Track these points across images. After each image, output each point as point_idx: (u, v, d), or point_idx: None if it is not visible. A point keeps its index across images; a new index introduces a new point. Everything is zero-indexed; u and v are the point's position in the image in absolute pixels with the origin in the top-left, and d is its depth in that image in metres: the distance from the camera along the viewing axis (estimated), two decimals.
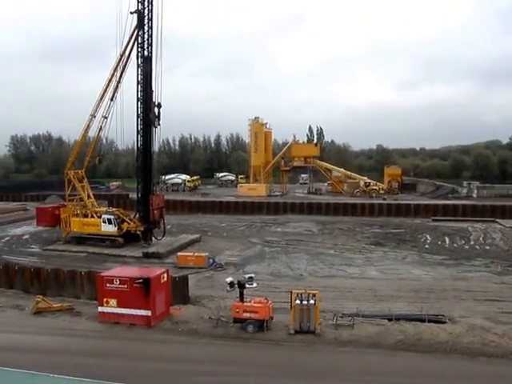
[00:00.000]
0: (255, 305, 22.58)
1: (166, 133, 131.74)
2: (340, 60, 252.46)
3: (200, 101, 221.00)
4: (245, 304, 22.73)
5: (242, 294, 23.15)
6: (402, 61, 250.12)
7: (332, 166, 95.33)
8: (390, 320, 23.09)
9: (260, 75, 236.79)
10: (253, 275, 24.56)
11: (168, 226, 46.34)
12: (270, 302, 23.15)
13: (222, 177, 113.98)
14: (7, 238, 49.07)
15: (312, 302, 21.98)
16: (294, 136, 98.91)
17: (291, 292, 22.79)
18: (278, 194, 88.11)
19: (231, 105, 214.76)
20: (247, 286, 23.34)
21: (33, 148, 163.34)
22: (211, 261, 36.30)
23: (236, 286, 23.35)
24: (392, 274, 34.37)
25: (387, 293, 29.20)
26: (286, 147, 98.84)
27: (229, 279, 24.01)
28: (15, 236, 50.43)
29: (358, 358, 19.82)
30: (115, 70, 42.08)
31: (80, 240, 44.21)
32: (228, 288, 23.73)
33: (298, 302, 22.03)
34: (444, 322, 23.12)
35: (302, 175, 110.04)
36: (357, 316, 23.23)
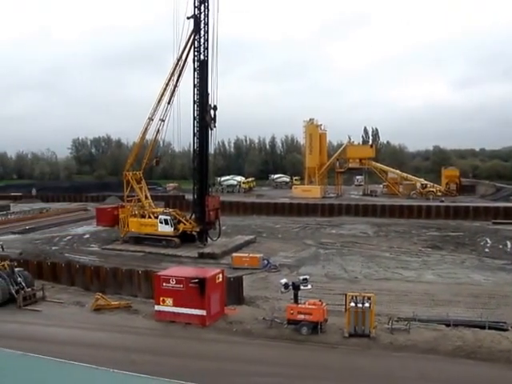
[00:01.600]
0: (309, 307, 22.44)
1: (222, 135, 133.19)
2: (395, 60, 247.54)
3: (255, 103, 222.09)
4: (299, 306, 22.65)
5: (296, 296, 23.10)
6: (459, 59, 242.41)
7: (387, 168, 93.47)
8: (447, 325, 22.39)
9: (315, 77, 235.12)
10: (307, 277, 24.47)
11: (223, 227, 46.80)
12: (324, 304, 22.96)
13: (276, 178, 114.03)
14: (69, 237, 51.03)
15: (367, 305, 21.65)
16: (349, 137, 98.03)
17: (346, 294, 22.51)
18: (332, 195, 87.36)
19: (286, 107, 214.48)
20: (302, 287, 23.28)
21: (93, 150, 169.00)
22: (266, 262, 36.37)
23: (290, 287, 23.33)
24: (450, 278, 33.30)
25: (445, 297, 28.30)
26: (341, 149, 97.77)
27: (283, 280, 24.02)
28: (76, 235, 52.37)
29: (414, 364, 19.33)
30: (172, 74, 43.03)
31: (137, 240, 45.30)
32: (282, 289, 23.75)
33: (352, 304, 21.75)
34: (506, 330, 22.16)
35: (357, 177, 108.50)
36: (413, 320, 22.64)
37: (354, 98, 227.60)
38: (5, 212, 71.03)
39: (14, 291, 27.68)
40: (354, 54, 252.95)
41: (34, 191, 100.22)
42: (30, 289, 28.50)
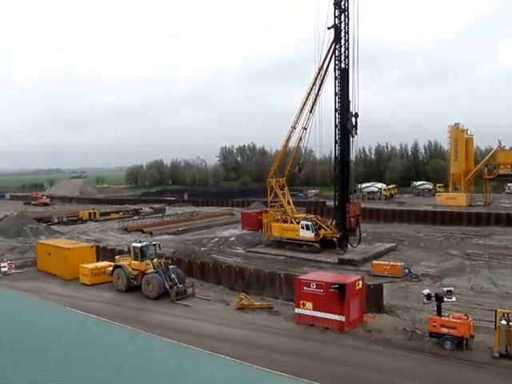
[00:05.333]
0: (454, 320, 21.54)
1: (363, 141, 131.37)
2: None
3: (397, 109, 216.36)
4: (442, 318, 21.85)
5: (439, 308, 22.31)
6: None
7: None
8: None
9: (461, 79, 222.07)
10: (452, 289, 23.53)
11: (363, 234, 46.38)
12: (470, 319, 21.88)
13: (419, 185, 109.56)
14: (216, 239, 54.19)
15: None
16: (500, 141, 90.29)
17: (496, 311, 21.25)
18: (479, 203, 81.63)
19: (429, 112, 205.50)
20: (445, 299, 22.42)
21: (239, 158, 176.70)
22: (407, 271, 35.40)
23: (433, 298, 22.59)
24: None
25: None
26: (489, 154, 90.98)
27: (426, 291, 23.34)
28: (223, 238, 55.43)
29: None
30: (314, 83, 43.85)
31: (279, 244, 46.65)
32: (425, 300, 23.07)
33: (503, 322, 20.38)
34: None
35: (509, 184, 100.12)
36: None
37: (504, 101, 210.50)
38: (161, 214, 77.78)
39: (168, 286, 30.42)
40: (503, 56, 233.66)
41: (185, 196, 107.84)
42: (181, 285, 31.09)
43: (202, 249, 47.54)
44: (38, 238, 51.22)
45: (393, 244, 46.81)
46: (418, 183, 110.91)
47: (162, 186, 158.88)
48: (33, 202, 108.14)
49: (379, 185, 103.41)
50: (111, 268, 34.14)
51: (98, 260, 38.53)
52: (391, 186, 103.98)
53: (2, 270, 39.26)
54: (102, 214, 77.30)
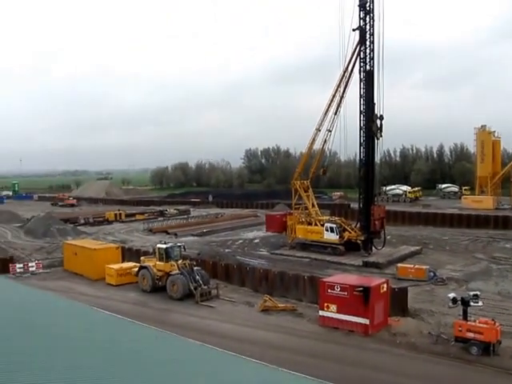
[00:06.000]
0: (480, 325, 21.25)
1: (387, 144, 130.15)
2: None
3: (422, 111, 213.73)
4: (469, 323, 21.57)
5: (465, 312, 22.04)
6: None
7: None
8: None
9: (486, 83, 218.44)
10: (478, 293, 23.21)
11: (388, 237, 46.00)
12: (497, 324, 21.56)
13: (444, 188, 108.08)
14: (240, 241, 54.37)
15: None
16: None
17: None
18: (507, 207, 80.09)
19: (455, 114, 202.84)
20: (472, 303, 22.14)
21: (263, 160, 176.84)
22: (432, 274, 35.02)
23: (459, 302, 22.33)
24: None
25: None
26: None
27: (451, 295, 23.09)
28: (247, 239, 55.57)
29: None
30: (339, 85, 43.70)
31: (304, 246, 46.56)
32: (450, 304, 22.83)
33: None
34: None
35: None
36: None
37: None
38: (186, 216, 78.36)
39: (192, 287, 30.69)
40: None
41: (210, 197, 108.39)
42: (206, 286, 31.31)
43: (227, 250, 47.79)
44: (64, 239, 52.09)
45: (418, 247, 46.33)
46: (444, 186, 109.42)
47: (187, 187, 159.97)
48: (60, 203, 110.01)
49: (404, 187, 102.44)
50: (136, 269, 34.58)
51: (123, 261, 39.08)
52: (416, 189, 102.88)
53: (30, 269, 40.14)
54: (127, 215, 78.21)
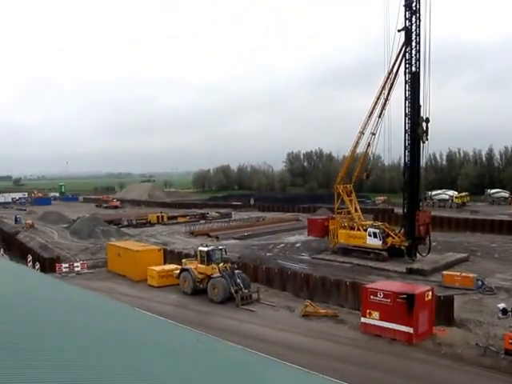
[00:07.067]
0: None
1: (433, 147, 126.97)
2: None
3: (470, 113, 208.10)
4: None
5: None
6: None
7: None
8: None
9: None
10: None
11: (433, 243, 44.79)
12: None
13: (493, 193, 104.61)
14: (282, 245, 54.09)
15: None
16: None
17: None
18: None
19: (506, 116, 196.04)
20: None
21: (305, 164, 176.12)
22: (480, 283, 33.78)
23: (509, 313, 21.44)
24: None
25: None
26: None
27: (501, 305, 22.21)
28: (289, 243, 55.22)
29: None
30: (383, 87, 42.97)
31: (346, 251, 45.91)
32: (500, 315, 21.96)
33: None
34: None
35: None
36: None
37: None
38: (227, 219, 78.73)
39: (233, 291, 30.65)
40: None
41: (252, 201, 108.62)
42: (247, 290, 31.22)
43: (268, 254, 47.64)
44: (108, 240, 53.19)
45: (465, 254, 44.90)
46: (493, 191, 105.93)
47: (229, 190, 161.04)
48: (104, 205, 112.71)
49: (450, 192, 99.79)
50: (178, 271, 34.85)
51: (165, 263, 39.49)
52: (463, 194, 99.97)
53: (76, 269, 41.14)
54: (169, 218, 79.16)
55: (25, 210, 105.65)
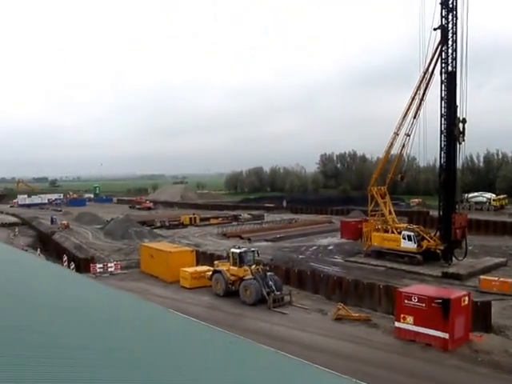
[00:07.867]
0: None
1: (470, 148, 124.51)
2: None
3: (508, 113, 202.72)
4: None
5: None
6: None
7: None
8: None
9: None
10: None
11: (470, 247, 43.82)
12: None
13: None
14: (314, 247, 53.73)
15: None
16: None
17: None
18: None
19: None
20: None
21: (339, 165, 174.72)
22: None
23: None
24: None
25: None
26: None
27: None
28: (321, 246, 54.80)
29: None
30: (418, 87, 42.30)
31: (379, 254, 45.30)
32: None
33: None
34: None
35: None
36: None
37: None
38: (259, 221, 78.71)
39: (265, 293, 30.61)
40: None
41: (284, 203, 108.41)
42: (279, 292, 31.14)
43: (300, 256, 47.43)
44: (141, 241, 53.87)
45: (503, 259, 43.67)
46: None
47: (261, 192, 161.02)
48: (137, 206, 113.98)
49: (488, 195, 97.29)
50: (210, 272, 35.02)
51: (197, 264, 39.74)
52: (502, 197, 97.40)
53: (109, 269, 41.81)
54: (201, 219, 79.61)
55: (60, 210, 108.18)
